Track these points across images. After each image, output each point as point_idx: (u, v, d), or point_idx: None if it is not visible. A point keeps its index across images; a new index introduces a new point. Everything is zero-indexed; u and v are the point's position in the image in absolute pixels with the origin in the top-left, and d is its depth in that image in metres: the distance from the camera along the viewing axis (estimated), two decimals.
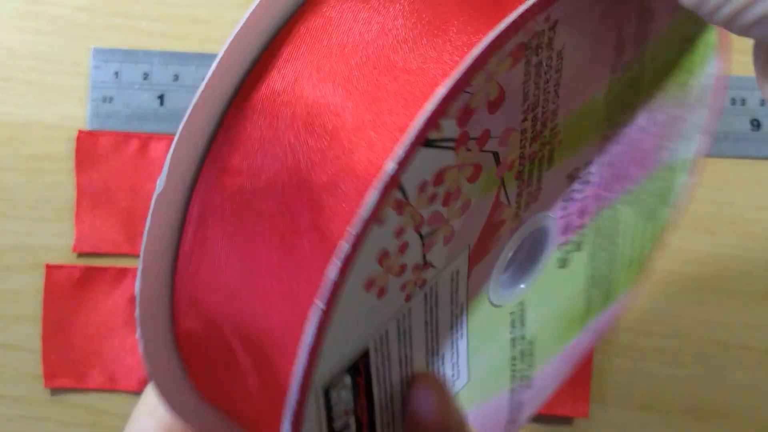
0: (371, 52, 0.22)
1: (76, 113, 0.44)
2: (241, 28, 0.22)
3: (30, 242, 0.44)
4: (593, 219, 0.28)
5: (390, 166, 0.19)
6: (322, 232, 0.21)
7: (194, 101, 0.22)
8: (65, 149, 0.43)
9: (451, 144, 0.21)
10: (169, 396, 0.25)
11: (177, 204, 0.23)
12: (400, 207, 0.20)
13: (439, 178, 0.21)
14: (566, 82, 0.23)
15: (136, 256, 0.44)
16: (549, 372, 0.32)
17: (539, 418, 0.45)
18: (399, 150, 0.19)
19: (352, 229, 0.19)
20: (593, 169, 0.27)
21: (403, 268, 0.22)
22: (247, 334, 0.23)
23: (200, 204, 0.23)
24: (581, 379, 0.45)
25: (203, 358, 0.25)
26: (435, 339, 0.25)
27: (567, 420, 0.45)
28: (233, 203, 0.23)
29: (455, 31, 0.21)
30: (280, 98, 0.22)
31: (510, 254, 0.26)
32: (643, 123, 0.27)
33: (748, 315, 0.46)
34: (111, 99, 0.44)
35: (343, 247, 0.19)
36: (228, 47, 0.22)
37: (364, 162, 0.21)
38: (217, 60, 0.22)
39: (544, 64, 0.22)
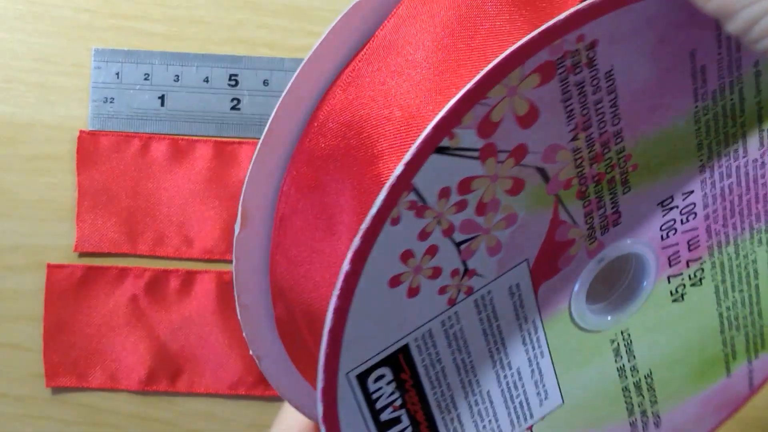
0: (419, 70, 0.23)
1: (78, 114, 0.44)
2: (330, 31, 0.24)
3: (31, 242, 0.44)
4: (710, 254, 0.28)
5: (398, 168, 0.21)
6: (355, 231, 0.23)
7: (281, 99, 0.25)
8: (66, 149, 0.44)
9: (474, 154, 0.22)
10: (273, 377, 0.28)
11: (269, 199, 0.26)
12: (418, 210, 0.22)
13: (465, 187, 0.22)
14: (627, 104, 0.24)
15: (137, 255, 0.44)
16: (688, 414, 0.32)
17: None
18: (407, 155, 0.21)
19: (363, 225, 0.21)
20: (695, 200, 0.27)
21: (437, 271, 0.23)
22: (312, 325, 0.25)
23: (282, 203, 0.25)
24: None
25: (291, 343, 0.27)
26: (502, 351, 0.26)
27: None
28: (303, 202, 0.25)
29: (487, 49, 0.22)
30: (343, 113, 0.24)
31: (593, 277, 0.27)
32: (758, 157, 0.27)
33: None
34: (112, 99, 0.44)
35: (355, 241, 0.21)
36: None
37: (393, 168, 0.22)
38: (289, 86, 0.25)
39: (588, 84, 0.23)
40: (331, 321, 0.22)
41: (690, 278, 0.29)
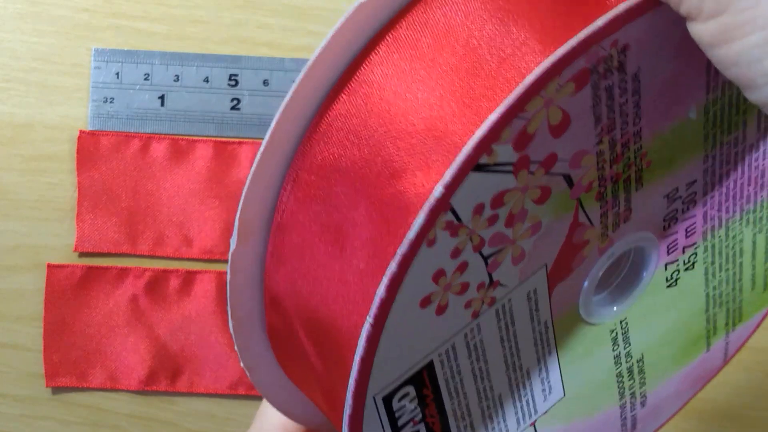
0: (439, 78, 0.22)
1: (77, 113, 0.44)
2: (327, 43, 0.23)
3: (31, 242, 0.44)
4: (704, 238, 0.28)
5: (437, 190, 0.20)
6: (376, 247, 0.22)
7: (278, 115, 0.23)
8: (66, 149, 0.44)
9: (508, 168, 0.21)
10: (263, 386, 0.27)
11: (266, 210, 0.25)
12: (453, 229, 0.21)
13: (498, 201, 0.22)
14: (648, 104, 0.23)
15: (137, 255, 0.44)
16: (669, 390, 0.32)
17: None
18: (447, 175, 0.20)
19: (400, 249, 0.20)
20: (697, 188, 0.27)
21: (464, 286, 0.23)
22: (319, 336, 0.24)
23: (280, 211, 0.24)
24: None
25: (284, 350, 0.27)
26: (516, 355, 0.26)
27: None
28: (305, 213, 0.24)
29: (521, 56, 0.22)
30: (351, 120, 0.23)
31: (601, 273, 0.27)
32: (755, 141, 0.27)
33: None
34: (112, 99, 0.44)
35: (391, 266, 0.21)
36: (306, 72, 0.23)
37: (419, 184, 0.21)
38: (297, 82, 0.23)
39: (617, 87, 0.22)
40: (363, 349, 0.21)
41: (684, 263, 0.29)
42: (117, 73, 0.44)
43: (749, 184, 0.28)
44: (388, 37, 0.23)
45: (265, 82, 0.44)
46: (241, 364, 0.27)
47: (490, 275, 0.23)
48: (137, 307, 0.44)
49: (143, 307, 0.44)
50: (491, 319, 0.24)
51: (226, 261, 0.44)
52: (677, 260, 0.28)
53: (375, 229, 0.22)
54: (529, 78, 0.20)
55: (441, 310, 0.23)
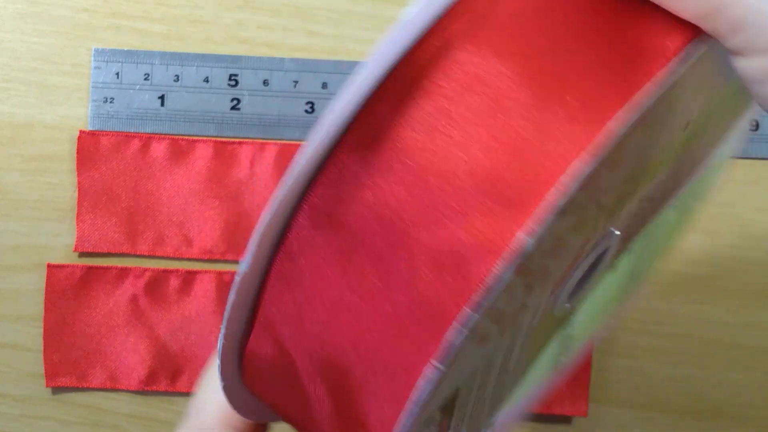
0: (482, 120, 0.22)
1: (77, 113, 0.44)
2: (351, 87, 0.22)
3: (31, 242, 0.44)
4: (645, 226, 0.30)
5: (528, 242, 0.20)
6: (421, 295, 0.21)
7: (310, 146, 0.22)
8: (66, 149, 0.44)
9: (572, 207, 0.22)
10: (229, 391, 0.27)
11: (272, 233, 0.24)
12: (520, 270, 0.21)
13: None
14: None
15: (137, 255, 0.44)
16: (577, 355, 0.35)
17: (538, 418, 0.45)
18: (531, 224, 0.20)
19: (482, 300, 0.20)
20: (661, 186, 0.28)
21: (503, 315, 0.23)
22: (328, 369, 0.24)
23: (292, 237, 0.23)
24: (580, 378, 0.45)
25: (265, 375, 0.26)
26: (508, 360, 0.27)
27: (566, 419, 0.45)
28: (323, 244, 0.23)
29: (577, 105, 0.21)
30: (382, 154, 0.22)
31: (581, 275, 0.27)
32: (710, 141, 0.29)
33: (746, 314, 0.46)
34: (112, 99, 0.44)
35: (472, 317, 0.20)
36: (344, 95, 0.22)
37: (475, 230, 0.21)
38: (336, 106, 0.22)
39: None
40: (429, 393, 0.21)
41: (626, 249, 0.30)
42: (117, 73, 0.44)
43: (688, 177, 0.30)
44: (423, 67, 0.22)
45: (265, 82, 0.44)
46: (218, 379, 0.26)
47: (524, 302, 0.24)
48: (137, 307, 0.44)
49: (143, 307, 0.44)
50: (508, 338, 0.25)
51: (226, 261, 0.44)
52: (622, 248, 0.30)
53: (418, 273, 0.21)
54: (602, 135, 0.20)
55: (483, 340, 0.23)
